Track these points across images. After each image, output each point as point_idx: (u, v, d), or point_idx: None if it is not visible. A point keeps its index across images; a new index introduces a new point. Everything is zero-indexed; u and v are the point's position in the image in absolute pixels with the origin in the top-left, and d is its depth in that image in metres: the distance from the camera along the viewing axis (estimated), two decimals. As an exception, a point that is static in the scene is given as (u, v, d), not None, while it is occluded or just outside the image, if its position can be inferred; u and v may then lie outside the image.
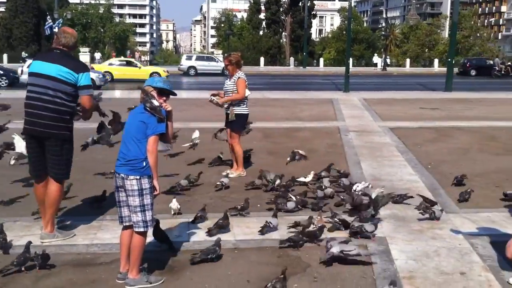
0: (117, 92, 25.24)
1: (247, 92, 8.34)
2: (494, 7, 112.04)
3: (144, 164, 4.39)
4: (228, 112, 8.31)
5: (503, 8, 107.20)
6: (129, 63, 36.37)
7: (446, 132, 13.05)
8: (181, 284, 4.59)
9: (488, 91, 26.57)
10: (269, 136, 12.28)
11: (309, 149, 9.98)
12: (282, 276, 4.29)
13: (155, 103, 4.45)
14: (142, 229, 4.44)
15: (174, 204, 6.25)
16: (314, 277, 4.67)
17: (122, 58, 42.68)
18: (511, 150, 10.96)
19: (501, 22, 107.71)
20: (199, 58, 44.85)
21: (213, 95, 8.39)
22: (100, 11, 79.31)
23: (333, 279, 4.64)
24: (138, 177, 4.38)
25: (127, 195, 4.43)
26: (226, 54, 9.18)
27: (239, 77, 8.22)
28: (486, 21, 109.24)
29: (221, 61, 40.46)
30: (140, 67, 35.54)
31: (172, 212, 6.23)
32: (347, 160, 9.64)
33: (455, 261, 5.00)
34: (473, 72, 45.41)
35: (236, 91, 8.20)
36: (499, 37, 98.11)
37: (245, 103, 8.39)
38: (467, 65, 46.86)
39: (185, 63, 43.10)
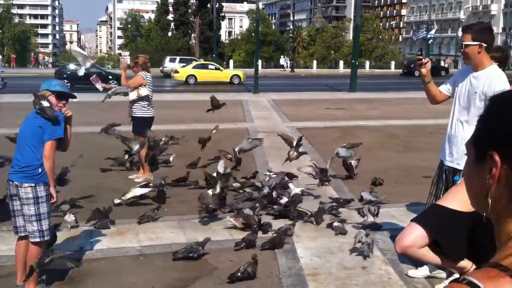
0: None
1: (146, 92, 8.19)
2: (395, 11, 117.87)
3: (40, 170, 4.18)
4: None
5: (403, 12, 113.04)
6: (207, 67, 38.26)
7: (351, 131, 13.51)
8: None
9: (391, 91, 27.85)
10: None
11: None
12: (253, 261, 4.61)
13: (44, 104, 4.22)
14: (38, 239, 4.22)
15: (70, 217, 5.90)
16: (221, 279, 4.66)
17: (202, 61, 42.98)
18: (410, 147, 11.54)
19: (401, 25, 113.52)
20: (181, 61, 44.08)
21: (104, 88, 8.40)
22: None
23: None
24: (33, 185, 4.16)
25: (21, 203, 4.20)
26: (133, 56, 9.00)
27: (138, 74, 8.16)
28: (387, 24, 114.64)
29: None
30: (221, 70, 37.88)
31: (69, 226, 5.85)
32: (255, 161, 9.73)
33: (357, 256, 5.17)
34: (417, 73, 47.18)
35: (135, 89, 8.09)
36: (400, 39, 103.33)
37: (149, 106, 8.25)
38: (411, 66, 49.11)
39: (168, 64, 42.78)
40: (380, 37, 78.35)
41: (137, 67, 8.18)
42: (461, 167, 3.55)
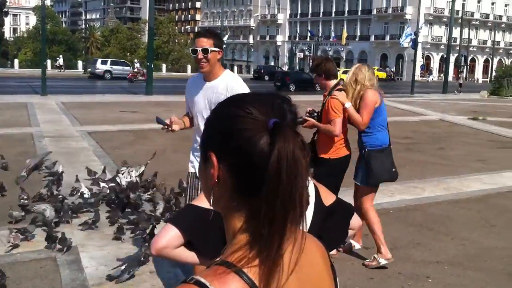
0: None
1: None
2: (189, 15, 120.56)
3: None
4: None
5: (198, 17, 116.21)
6: None
7: (144, 134, 13.39)
8: None
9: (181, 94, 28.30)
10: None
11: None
12: None
13: None
14: None
15: None
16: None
17: None
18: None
19: (196, 30, 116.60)
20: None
21: None
22: None
23: None
24: None
25: None
26: None
27: None
28: (183, 28, 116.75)
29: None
30: None
31: None
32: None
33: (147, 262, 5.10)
34: (266, 77, 50.25)
35: None
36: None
37: None
38: (261, 71, 53.08)
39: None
40: (176, 40, 79.49)
41: None
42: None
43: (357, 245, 5.67)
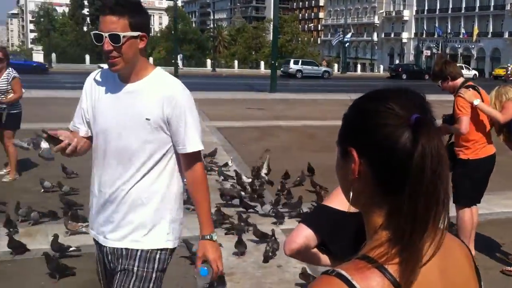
0: None
1: (23, 90, 7.92)
2: (313, 14, 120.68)
3: None
4: (1, 113, 7.71)
5: (321, 15, 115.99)
6: None
7: (269, 131, 13.69)
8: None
9: (310, 92, 28.47)
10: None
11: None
12: (273, 238, 5.22)
13: None
14: None
15: None
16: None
17: None
18: (326, 147, 11.81)
19: (319, 28, 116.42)
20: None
21: None
22: None
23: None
24: None
25: None
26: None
27: (14, 76, 7.68)
28: (306, 26, 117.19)
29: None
30: None
31: None
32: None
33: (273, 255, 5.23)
34: (404, 76, 51.23)
35: (11, 90, 7.65)
36: (319, 42, 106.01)
37: (18, 101, 7.89)
38: (399, 69, 53.83)
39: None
40: (299, 39, 79.96)
41: (2, 63, 7.61)
42: None
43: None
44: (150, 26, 2.61)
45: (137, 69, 2.41)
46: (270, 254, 5.07)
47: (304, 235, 1.91)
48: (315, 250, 1.95)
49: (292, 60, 52.22)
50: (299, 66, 49.35)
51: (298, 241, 1.92)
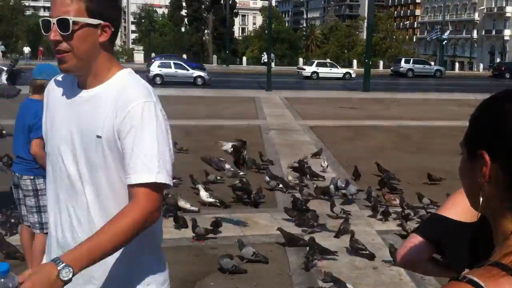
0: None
1: None
2: (409, 11, 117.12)
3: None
4: None
5: (417, 12, 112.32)
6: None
7: (363, 131, 13.48)
8: None
9: (404, 91, 27.72)
10: (190, 134, 12.18)
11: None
12: (344, 220, 5.74)
13: None
14: (38, 231, 4.19)
15: None
16: (231, 276, 4.67)
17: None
18: (422, 149, 11.47)
19: (415, 25, 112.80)
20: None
21: None
22: (11, 3, 75.60)
23: (250, 276, 4.65)
24: (32, 177, 4.12)
25: (23, 194, 4.20)
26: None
27: None
28: (401, 24, 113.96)
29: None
30: None
31: None
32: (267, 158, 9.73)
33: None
34: (507, 75, 49.67)
35: None
36: (414, 40, 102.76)
37: None
38: (502, 68, 52.19)
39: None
40: (394, 37, 77.97)
41: None
42: None
43: None
44: (121, 18, 1.96)
45: (96, 70, 1.83)
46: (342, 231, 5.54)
47: (417, 245, 1.84)
48: (428, 260, 1.88)
49: (403, 59, 52.05)
50: (410, 65, 49.19)
51: (410, 251, 1.86)
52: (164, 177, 1.71)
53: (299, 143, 11.42)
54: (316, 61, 45.87)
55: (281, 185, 7.50)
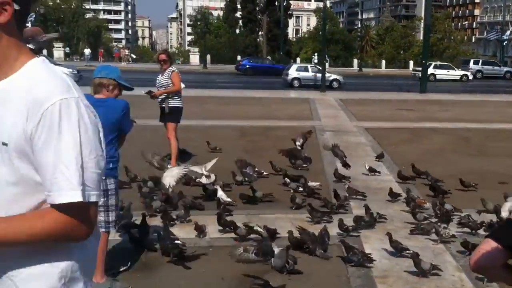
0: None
1: (182, 85, 8.58)
2: (467, 11, 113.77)
3: (110, 165, 4.12)
4: (163, 106, 8.45)
5: (476, 12, 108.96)
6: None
7: (421, 133, 13.18)
8: (154, 283, 4.52)
9: (463, 93, 26.96)
10: (246, 134, 12.25)
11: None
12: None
13: None
14: (103, 229, 4.26)
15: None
16: (289, 276, 4.65)
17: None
18: (483, 152, 11.11)
19: (474, 26, 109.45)
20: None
21: (147, 92, 8.44)
22: (72, 6, 78.34)
23: (307, 278, 4.62)
24: (103, 177, 4.17)
25: None
26: (161, 50, 9.47)
27: (173, 71, 8.43)
28: (459, 24, 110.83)
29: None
30: None
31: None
32: (322, 160, 9.65)
33: (429, 261, 5.02)
34: None
35: (171, 85, 8.35)
36: (473, 40, 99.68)
37: (180, 96, 8.59)
38: None
39: None
40: (452, 37, 75.95)
41: (167, 64, 8.46)
42: None
43: None
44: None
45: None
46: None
47: (491, 252, 1.77)
48: (502, 267, 1.80)
49: (472, 60, 51.62)
50: (479, 67, 48.87)
51: (484, 257, 1.78)
52: (91, 195, 1.50)
53: (355, 145, 11.27)
54: (433, 63, 45.41)
55: (301, 189, 7.32)
